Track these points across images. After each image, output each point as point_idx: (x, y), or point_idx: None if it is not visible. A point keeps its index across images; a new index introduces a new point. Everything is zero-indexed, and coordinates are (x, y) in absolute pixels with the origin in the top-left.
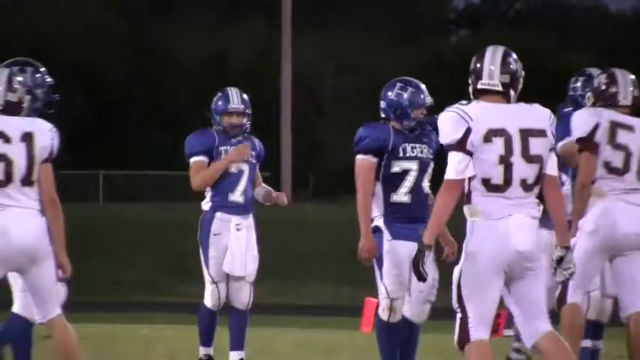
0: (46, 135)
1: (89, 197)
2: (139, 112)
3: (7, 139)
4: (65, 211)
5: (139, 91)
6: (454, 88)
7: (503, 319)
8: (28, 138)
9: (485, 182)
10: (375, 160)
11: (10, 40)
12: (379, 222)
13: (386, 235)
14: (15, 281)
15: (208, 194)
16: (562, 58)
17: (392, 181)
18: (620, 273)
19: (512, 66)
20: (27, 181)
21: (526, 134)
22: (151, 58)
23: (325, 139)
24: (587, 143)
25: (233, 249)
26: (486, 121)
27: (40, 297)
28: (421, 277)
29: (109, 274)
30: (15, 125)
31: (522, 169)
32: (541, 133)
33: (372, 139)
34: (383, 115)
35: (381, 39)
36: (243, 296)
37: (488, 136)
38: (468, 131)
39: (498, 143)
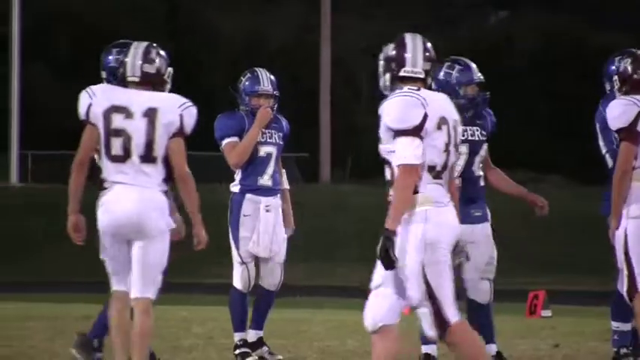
0: (174, 111)
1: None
2: (177, 92)
3: (128, 114)
4: (97, 193)
5: (177, 71)
6: (491, 70)
7: (540, 299)
8: (151, 114)
9: (431, 169)
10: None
11: (51, 22)
12: None
13: None
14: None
15: (237, 177)
16: (599, 39)
17: None
18: None
19: (431, 53)
20: (147, 157)
21: (455, 123)
22: (189, 38)
23: (363, 120)
24: (629, 133)
25: (261, 230)
26: (437, 108)
27: (140, 273)
28: (391, 265)
29: None
30: (141, 100)
31: (452, 157)
32: (459, 123)
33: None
34: None
35: (419, 21)
36: (275, 277)
37: (440, 123)
38: (425, 117)
39: (445, 130)
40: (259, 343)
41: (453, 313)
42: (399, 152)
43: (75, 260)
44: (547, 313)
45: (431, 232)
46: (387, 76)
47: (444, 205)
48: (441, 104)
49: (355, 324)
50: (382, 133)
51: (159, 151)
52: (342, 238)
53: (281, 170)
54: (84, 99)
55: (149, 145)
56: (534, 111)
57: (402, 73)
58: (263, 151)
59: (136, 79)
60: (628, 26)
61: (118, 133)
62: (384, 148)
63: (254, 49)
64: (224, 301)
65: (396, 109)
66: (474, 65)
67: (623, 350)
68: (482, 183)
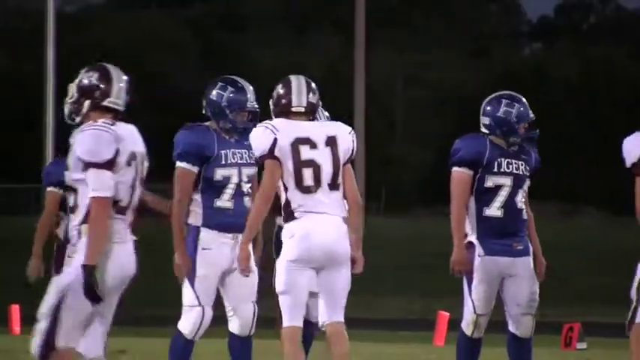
0: (347, 138)
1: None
2: None
3: (313, 145)
4: (138, 226)
5: None
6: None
7: (575, 332)
8: (332, 142)
9: (116, 204)
10: (470, 172)
11: (85, 58)
12: (472, 237)
13: (478, 250)
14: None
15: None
16: (635, 70)
17: (484, 196)
18: None
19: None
20: (333, 185)
21: (143, 157)
22: (224, 73)
23: (397, 152)
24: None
25: None
26: (128, 144)
27: (332, 299)
28: (96, 299)
29: (171, 286)
30: (319, 130)
31: (137, 192)
32: (146, 157)
33: (466, 152)
34: (486, 131)
35: (453, 52)
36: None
37: (130, 159)
38: (117, 152)
39: (133, 166)
40: None
41: (68, 341)
42: (91, 184)
43: None
44: (582, 345)
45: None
46: (87, 103)
47: (123, 241)
48: (132, 139)
49: (390, 356)
50: (72, 161)
51: (341, 178)
52: (377, 270)
53: None
54: (267, 135)
55: (335, 172)
56: (569, 142)
57: (105, 103)
58: None
59: (302, 110)
60: None
61: (308, 163)
62: (69, 175)
63: None
64: (260, 334)
65: (89, 141)
66: (525, 101)
67: None
68: (524, 216)
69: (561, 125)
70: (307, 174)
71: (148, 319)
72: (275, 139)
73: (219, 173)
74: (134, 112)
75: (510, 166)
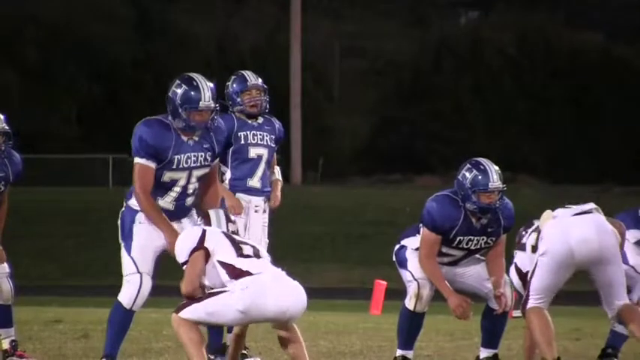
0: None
1: (99, 182)
2: (147, 97)
3: None
4: (74, 196)
5: (147, 76)
6: (462, 69)
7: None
8: None
9: None
10: (438, 236)
11: (18, 26)
12: (413, 243)
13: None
14: None
15: (226, 177)
16: (571, 38)
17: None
18: None
19: None
20: None
21: None
22: (160, 42)
23: (334, 121)
24: None
25: (251, 230)
26: None
27: None
28: None
29: (117, 258)
30: None
31: None
32: None
33: (439, 222)
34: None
35: (390, 22)
36: None
37: None
38: None
39: None
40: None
41: None
42: None
43: (41, 262)
44: (517, 313)
45: None
46: None
47: None
48: None
49: (327, 325)
50: None
51: None
52: (314, 239)
53: (274, 168)
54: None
55: None
56: (506, 111)
57: None
58: (253, 152)
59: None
60: (600, 25)
61: None
62: None
63: (225, 51)
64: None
65: None
66: (494, 169)
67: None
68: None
69: (498, 93)
70: None
71: (83, 290)
72: None
73: (168, 175)
74: (71, 81)
75: (470, 243)
